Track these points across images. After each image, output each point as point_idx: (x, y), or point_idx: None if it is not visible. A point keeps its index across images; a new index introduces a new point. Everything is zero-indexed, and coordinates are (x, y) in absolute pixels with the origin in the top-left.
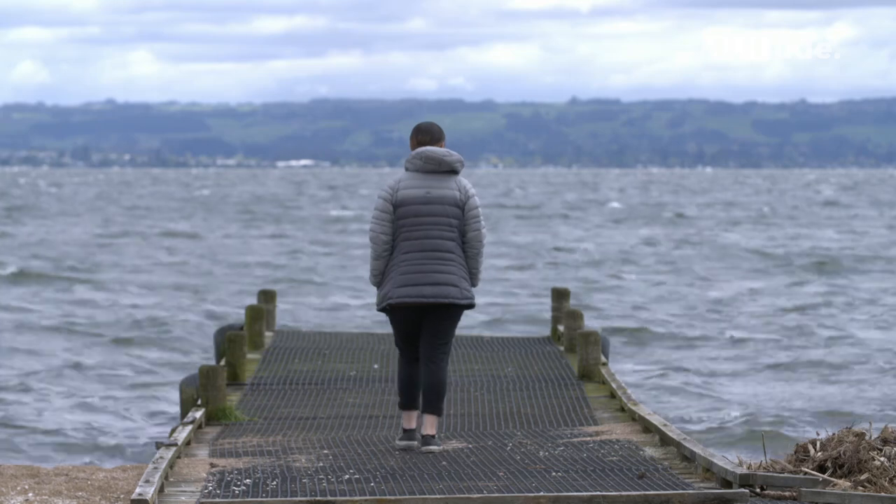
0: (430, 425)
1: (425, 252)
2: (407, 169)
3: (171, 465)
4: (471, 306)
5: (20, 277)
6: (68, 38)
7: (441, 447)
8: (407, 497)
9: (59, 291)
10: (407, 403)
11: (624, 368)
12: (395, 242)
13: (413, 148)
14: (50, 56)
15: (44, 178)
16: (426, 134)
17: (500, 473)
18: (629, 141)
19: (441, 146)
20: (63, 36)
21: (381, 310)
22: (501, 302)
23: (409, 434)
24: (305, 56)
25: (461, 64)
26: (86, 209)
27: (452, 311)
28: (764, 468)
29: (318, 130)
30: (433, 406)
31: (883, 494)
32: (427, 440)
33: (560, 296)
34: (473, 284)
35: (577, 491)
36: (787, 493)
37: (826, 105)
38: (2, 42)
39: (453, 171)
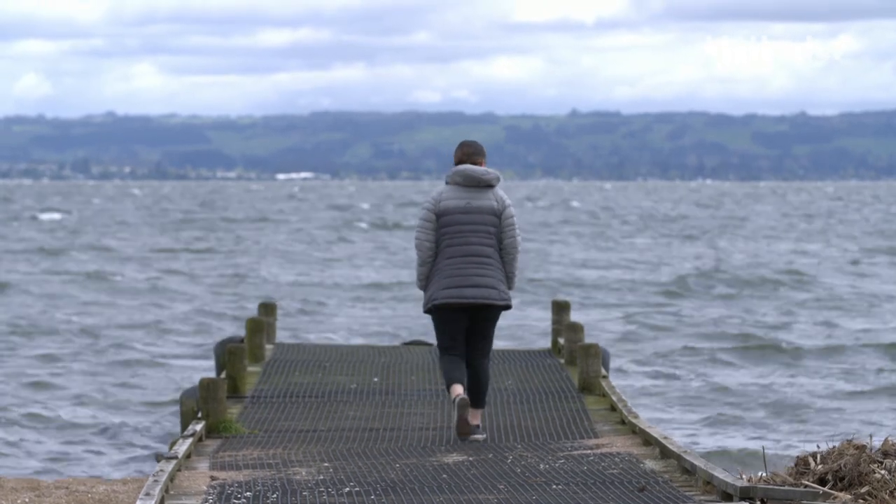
0: (473, 416)
1: (466, 257)
2: (447, 182)
3: (171, 478)
4: (508, 307)
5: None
6: (72, 50)
7: (485, 436)
8: None
9: None
10: (452, 381)
11: None
12: (439, 249)
13: (456, 161)
14: (53, 69)
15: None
16: (469, 148)
17: (501, 486)
18: (629, 153)
19: (481, 162)
20: (67, 48)
21: (427, 311)
22: None
23: (458, 396)
24: (309, 68)
25: (465, 77)
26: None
27: (492, 311)
28: (764, 481)
29: (318, 143)
30: (477, 400)
31: None
32: (473, 429)
33: (560, 308)
34: (510, 287)
35: None
36: None
37: (826, 117)
38: (5, 54)
39: (490, 186)
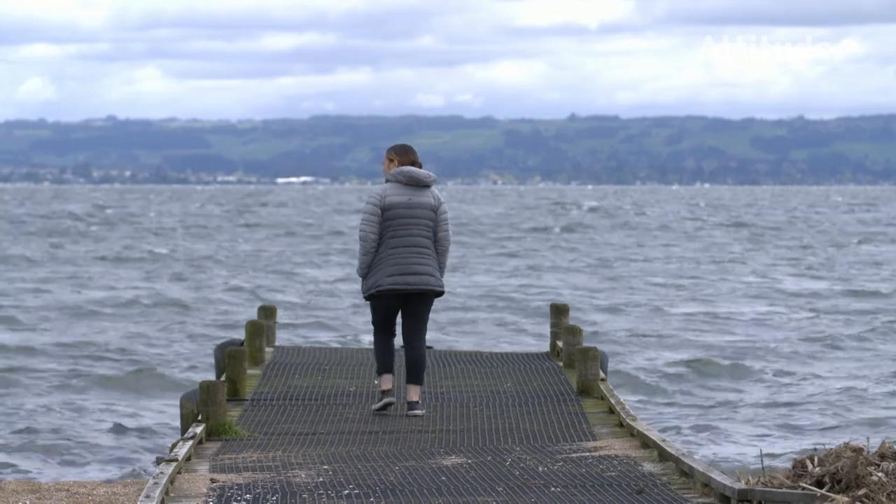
0: (413, 393)
1: (408, 248)
2: (388, 181)
3: (171, 481)
4: (442, 293)
5: None
6: (76, 54)
7: (423, 411)
8: None
9: None
10: (383, 369)
11: None
12: (382, 240)
13: (401, 163)
14: (57, 73)
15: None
16: (413, 154)
17: (499, 489)
18: (627, 157)
19: (421, 165)
20: (72, 53)
21: (369, 296)
22: None
23: (386, 393)
24: (314, 73)
25: (469, 81)
26: None
27: (429, 296)
28: (762, 483)
29: (317, 147)
30: (416, 378)
31: None
32: (412, 405)
33: (559, 312)
34: (441, 275)
35: None
36: None
37: (823, 122)
38: (11, 59)
39: (427, 186)
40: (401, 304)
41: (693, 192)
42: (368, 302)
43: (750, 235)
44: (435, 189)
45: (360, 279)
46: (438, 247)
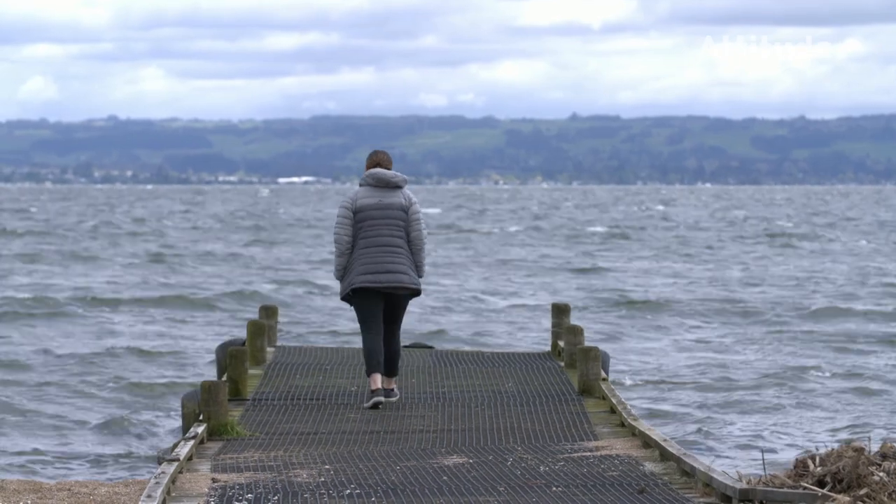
0: (389, 382)
1: (380, 247)
2: (361, 185)
3: (172, 480)
4: (418, 292)
5: None
6: (79, 54)
7: (398, 396)
8: None
9: None
10: (372, 369)
11: None
12: (355, 241)
13: (369, 166)
14: (59, 72)
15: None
16: (381, 156)
17: (501, 488)
18: (629, 157)
19: (390, 168)
20: (74, 52)
21: (345, 297)
22: None
23: (375, 392)
24: (316, 72)
25: (471, 80)
26: None
27: (403, 294)
28: (763, 483)
29: (319, 147)
30: (392, 370)
31: None
32: (388, 393)
33: (560, 311)
34: (420, 275)
35: None
36: None
37: (825, 121)
38: (13, 58)
39: (398, 187)
40: (381, 301)
41: (764, 192)
42: (350, 304)
43: None
44: (407, 190)
45: (338, 282)
46: (412, 246)
